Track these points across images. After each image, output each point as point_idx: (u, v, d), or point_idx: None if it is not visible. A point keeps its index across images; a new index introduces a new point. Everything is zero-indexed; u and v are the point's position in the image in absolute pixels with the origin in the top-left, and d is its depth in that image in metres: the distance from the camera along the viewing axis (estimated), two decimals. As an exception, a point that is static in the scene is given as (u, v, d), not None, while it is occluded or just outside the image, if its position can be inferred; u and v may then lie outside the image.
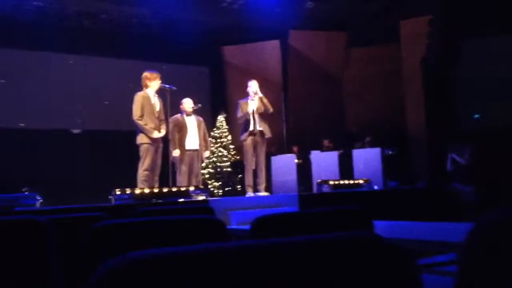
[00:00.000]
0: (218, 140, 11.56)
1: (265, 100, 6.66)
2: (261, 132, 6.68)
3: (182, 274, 0.55)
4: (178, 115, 6.63)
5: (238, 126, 7.37)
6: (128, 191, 5.01)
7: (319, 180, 6.80)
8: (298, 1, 10.88)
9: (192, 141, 6.56)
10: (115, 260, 0.57)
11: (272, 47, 11.93)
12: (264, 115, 6.74)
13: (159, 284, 0.54)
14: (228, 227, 1.81)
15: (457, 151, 8.12)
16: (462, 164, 8.06)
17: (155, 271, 0.55)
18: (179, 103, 6.70)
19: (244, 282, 0.55)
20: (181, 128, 6.52)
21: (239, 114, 6.72)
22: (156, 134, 5.90)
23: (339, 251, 0.62)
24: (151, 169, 5.83)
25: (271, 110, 6.72)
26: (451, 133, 10.24)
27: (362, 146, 9.99)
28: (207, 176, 10.89)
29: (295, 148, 10.73)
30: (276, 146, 10.86)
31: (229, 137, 11.67)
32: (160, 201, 5.05)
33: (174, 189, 5.39)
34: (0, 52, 10.00)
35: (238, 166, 10.75)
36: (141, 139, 5.87)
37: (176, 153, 6.40)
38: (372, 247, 0.64)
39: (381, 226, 1.94)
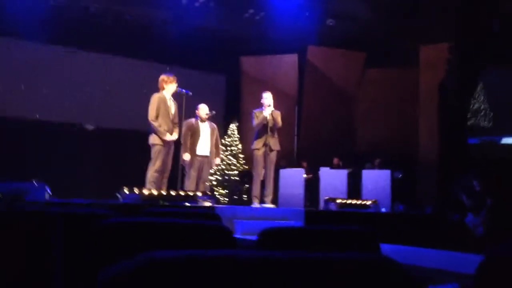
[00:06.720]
0: (228, 148, 11.58)
1: (275, 115, 6.68)
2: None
3: (200, 278, 0.56)
4: (193, 120, 6.65)
5: (250, 135, 7.39)
6: (136, 190, 5.03)
7: (326, 198, 6.77)
8: (319, 17, 10.93)
9: (204, 147, 6.57)
10: (133, 260, 0.58)
11: (290, 61, 11.97)
12: (273, 129, 6.75)
13: (176, 285, 0.55)
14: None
15: (471, 181, 8.05)
16: (476, 195, 7.98)
17: (172, 272, 0.56)
18: (194, 108, 6.74)
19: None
20: (194, 133, 6.55)
21: (255, 122, 6.73)
22: (168, 137, 5.93)
23: (352, 271, 0.63)
24: (161, 170, 5.85)
25: (279, 125, 6.73)
26: (463, 162, 10.14)
27: (372, 167, 9.94)
28: (214, 183, 10.91)
29: (304, 163, 10.71)
30: (285, 160, 10.85)
31: (240, 146, 11.69)
32: (167, 203, 5.06)
33: (182, 193, 5.40)
34: (20, 45, 10.15)
35: (245, 175, 10.75)
36: (153, 139, 5.90)
37: (186, 157, 6.41)
38: (384, 271, 0.64)
39: (386, 250, 1.92)
